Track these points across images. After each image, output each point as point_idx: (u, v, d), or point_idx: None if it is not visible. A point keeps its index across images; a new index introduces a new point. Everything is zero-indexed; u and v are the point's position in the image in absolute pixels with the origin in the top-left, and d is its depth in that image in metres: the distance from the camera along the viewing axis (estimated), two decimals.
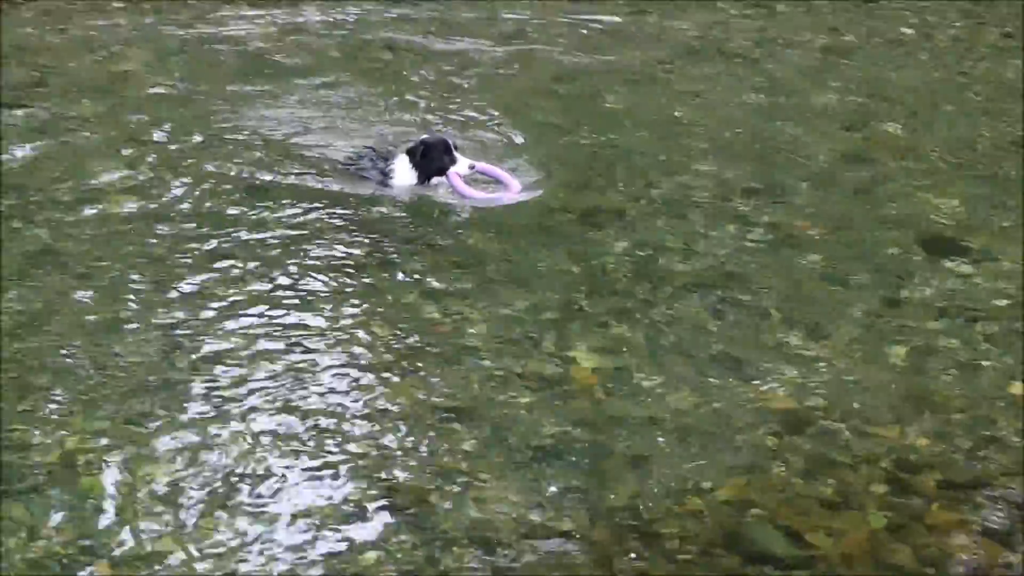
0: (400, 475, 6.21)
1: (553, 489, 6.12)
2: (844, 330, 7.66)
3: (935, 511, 6.08)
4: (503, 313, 7.70)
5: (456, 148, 9.18)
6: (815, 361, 7.30)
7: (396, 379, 6.99)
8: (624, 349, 7.34)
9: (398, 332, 7.47)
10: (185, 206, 8.90)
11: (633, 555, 5.69)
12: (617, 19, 14.03)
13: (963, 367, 7.26)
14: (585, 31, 13.62)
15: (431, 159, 9.13)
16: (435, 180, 9.21)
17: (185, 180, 9.31)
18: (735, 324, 7.68)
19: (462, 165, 9.09)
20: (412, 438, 6.49)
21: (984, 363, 7.31)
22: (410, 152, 9.20)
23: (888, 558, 5.77)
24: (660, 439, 6.53)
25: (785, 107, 11.42)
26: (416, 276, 8.15)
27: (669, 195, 9.47)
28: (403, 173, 9.23)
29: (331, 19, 13.66)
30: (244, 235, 8.48)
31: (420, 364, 7.14)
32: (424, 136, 9.43)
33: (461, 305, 7.76)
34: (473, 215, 9.03)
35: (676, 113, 11.29)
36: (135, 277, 7.89)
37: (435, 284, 8.03)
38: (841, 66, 12.62)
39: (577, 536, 5.83)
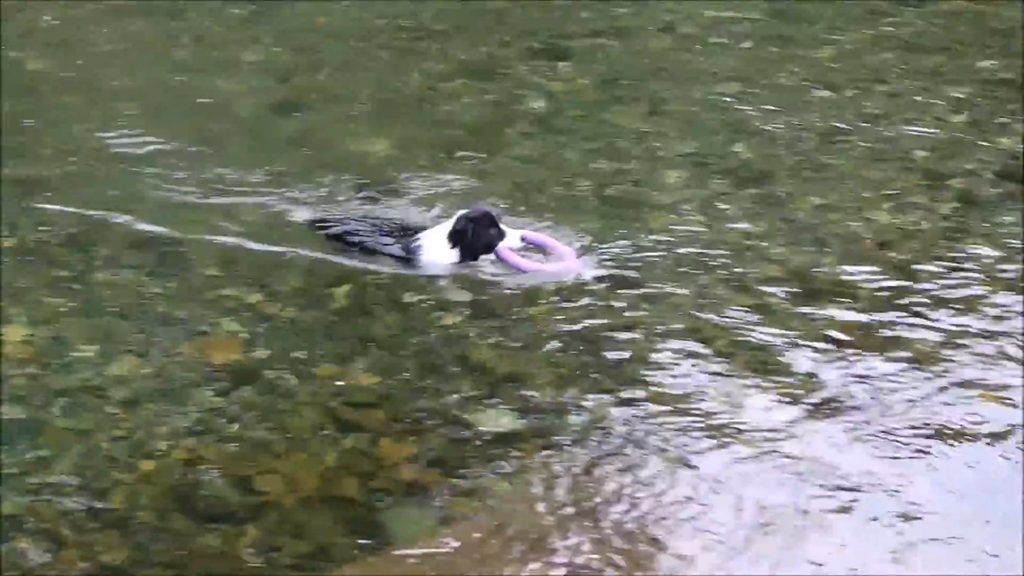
0: None
1: None
2: (286, 278, 7.73)
3: (384, 445, 6.27)
4: None
5: (500, 218, 8.11)
6: (258, 311, 7.35)
7: None
8: (60, 319, 7.09)
9: None
10: None
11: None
12: None
13: (401, 304, 7.53)
14: None
15: (478, 236, 7.99)
16: (482, 257, 8.08)
17: None
18: (175, 283, 7.60)
19: (512, 238, 8.01)
20: None
21: (420, 298, 7.61)
22: (454, 234, 7.97)
23: (341, 496, 5.90)
24: (105, 408, 6.37)
25: (214, 61, 11.33)
26: None
27: (97, 157, 9.20)
28: (436, 249, 8.02)
29: None
30: None
31: None
32: (465, 211, 8.13)
33: None
34: None
35: (102, 73, 10.94)
36: None
37: None
38: (269, 18, 12.63)
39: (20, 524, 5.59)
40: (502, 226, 8.01)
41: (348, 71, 11.30)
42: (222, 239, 8.15)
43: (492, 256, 8.02)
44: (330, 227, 8.26)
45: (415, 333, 7.24)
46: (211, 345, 6.96)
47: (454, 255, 7.98)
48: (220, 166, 9.12)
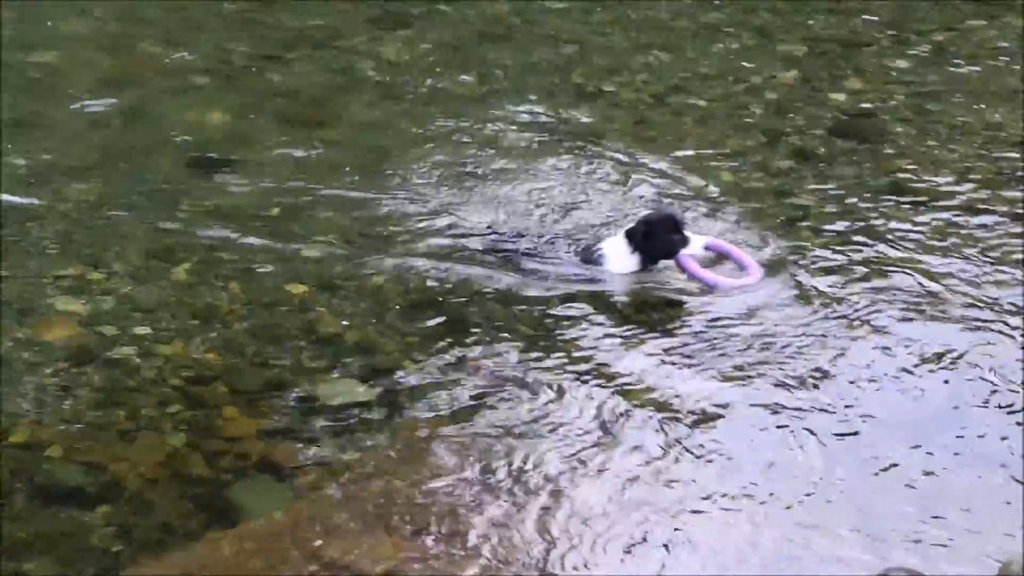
0: None
1: None
2: (126, 256, 7.58)
3: (232, 421, 6.19)
4: None
5: (684, 223, 7.60)
6: (98, 291, 7.18)
7: None
8: None
9: None
10: None
11: None
12: None
13: (243, 276, 7.41)
14: None
15: (657, 240, 7.48)
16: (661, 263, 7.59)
17: None
18: (11, 262, 7.40)
19: (695, 245, 7.47)
20: None
21: (263, 270, 7.50)
22: (630, 234, 7.52)
23: (188, 473, 5.81)
24: None
25: (36, 34, 11.00)
26: None
27: None
28: (619, 257, 7.54)
29: None
30: None
31: None
32: (648, 212, 7.76)
33: None
34: None
35: None
36: None
37: None
38: None
39: None
40: (686, 232, 7.51)
41: (180, 42, 11.07)
42: (59, 217, 7.98)
43: (672, 264, 7.56)
44: (503, 242, 7.84)
45: (259, 306, 7.16)
46: (50, 325, 6.80)
47: (636, 261, 7.53)
48: (50, 143, 8.89)
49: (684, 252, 7.46)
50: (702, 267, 7.48)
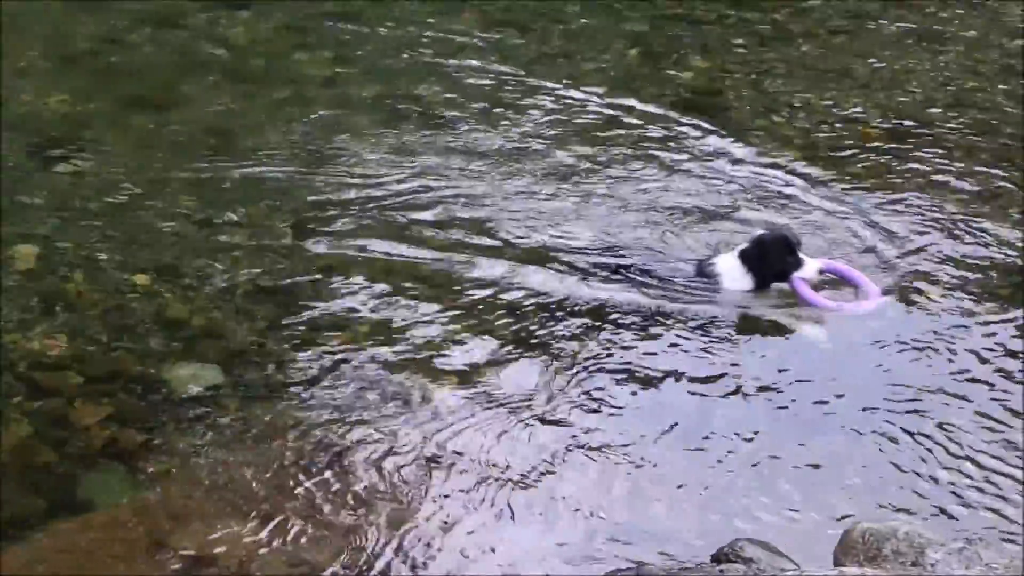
0: None
1: None
2: None
3: (78, 409, 6.08)
4: None
5: (799, 245, 7.39)
6: None
7: None
8: None
9: None
10: None
11: None
12: None
13: (89, 264, 7.29)
14: None
15: (770, 261, 7.32)
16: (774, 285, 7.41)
17: None
18: None
19: (810, 268, 7.27)
20: None
21: (109, 255, 7.38)
22: (745, 254, 7.34)
23: (35, 463, 5.71)
24: None
25: None
26: None
27: None
28: (734, 275, 7.36)
29: None
30: None
31: None
32: (761, 232, 7.57)
33: None
34: None
35: None
36: None
37: None
38: None
39: None
40: (800, 255, 7.35)
41: (15, 24, 10.80)
42: None
43: (786, 285, 7.38)
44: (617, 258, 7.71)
45: (107, 292, 7.05)
46: None
47: (749, 280, 7.40)
48: None
49: (797, 275, 7.33)
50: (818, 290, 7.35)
